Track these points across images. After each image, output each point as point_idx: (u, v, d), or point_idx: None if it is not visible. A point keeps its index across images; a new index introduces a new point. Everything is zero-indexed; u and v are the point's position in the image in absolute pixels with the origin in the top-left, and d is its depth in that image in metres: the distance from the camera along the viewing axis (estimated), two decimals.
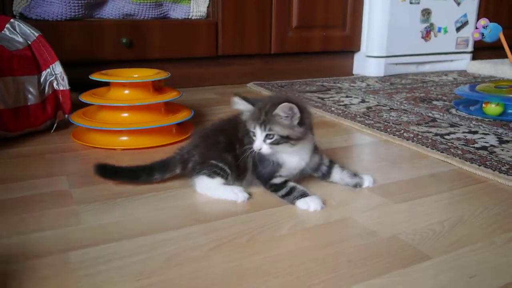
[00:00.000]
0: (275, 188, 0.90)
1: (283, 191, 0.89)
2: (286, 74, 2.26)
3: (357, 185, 0.98)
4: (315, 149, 0.95)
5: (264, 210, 0.85)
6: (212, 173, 0.91)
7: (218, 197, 0.90)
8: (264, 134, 0.85)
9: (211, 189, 0.91)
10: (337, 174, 0.98)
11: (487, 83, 1.71)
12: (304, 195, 0.88)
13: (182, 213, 0.84)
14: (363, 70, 2.44)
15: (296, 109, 0.84)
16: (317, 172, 0.98)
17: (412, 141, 1.26)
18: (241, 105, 0.90)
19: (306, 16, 2.20)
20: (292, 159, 0.91)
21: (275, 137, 0.85)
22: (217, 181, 0.91)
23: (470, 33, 2.60)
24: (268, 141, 0.86)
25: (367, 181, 0.98)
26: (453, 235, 0.77)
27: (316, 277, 0.65)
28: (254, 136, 0.87)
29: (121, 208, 0.85)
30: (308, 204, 0.86)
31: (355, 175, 0.98)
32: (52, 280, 0.63)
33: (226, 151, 0.92)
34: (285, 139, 0.86)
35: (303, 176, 0.96)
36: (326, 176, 0.98)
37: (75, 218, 0.81)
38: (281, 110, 0.83)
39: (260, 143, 0.86)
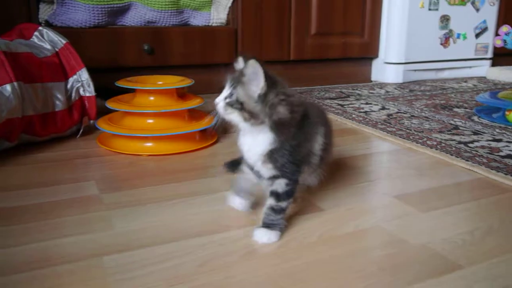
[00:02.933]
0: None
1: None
2: (305, 81, 2.27)
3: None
4: (276, 162, 0.78)
5: (293, 218, 0.86)
6: None
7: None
8: (228, 91, 0.78)
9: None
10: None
11: (509, 90, 1.70)
12: None
13: (212, 219, 0.85)
14: (382, 76, 2.43)
15: (260, 75, 0.73)
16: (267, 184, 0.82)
17: (436, 149, 1.25)
18: (241, 65, 0.80)
19: (325, 23, 2.21)
20: (244, 140, 0.82)
21: (233, 97, 0.76)
22: None
23: (489, 40, 2.59)
24: (227, 99, 0.77)
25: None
26: (483, 245, 0.77)
27: (349, 285, 0.65)
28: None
29: (151, 213, 0.86)
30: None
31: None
32: (89, 283, 0.64)
33: None
34: (239, 106, 0.76)
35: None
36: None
37: (107, 223, 0.82)
38: (247, 67, 0.74)
39: (221, 98, 0.78)
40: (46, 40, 1.31)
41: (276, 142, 0.78)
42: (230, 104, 0.77)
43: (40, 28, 1.32)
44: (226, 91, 0.78)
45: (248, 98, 0.76)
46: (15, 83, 1.12)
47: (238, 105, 0.76)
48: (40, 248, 0.74)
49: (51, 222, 0.82)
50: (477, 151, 1.24)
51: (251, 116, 0.76)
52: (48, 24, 1.70)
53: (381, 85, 2.32)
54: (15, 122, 1.13)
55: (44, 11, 1.71)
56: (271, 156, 0.78)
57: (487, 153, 1.22)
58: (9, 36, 1.31)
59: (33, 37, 1.31)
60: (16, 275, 0.66)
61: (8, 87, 1.11)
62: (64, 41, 1.32)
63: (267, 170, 0.80)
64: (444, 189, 1.02)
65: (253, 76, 0.74)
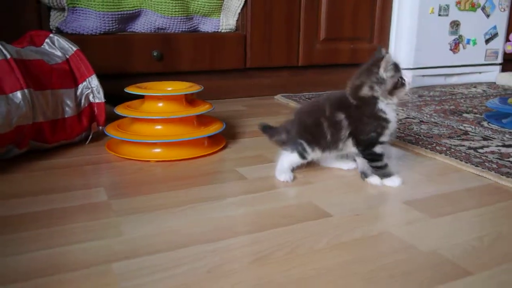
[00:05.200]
0: (373, 158, 1.05)
1: (380, 163, 1.05)
2: (314, 86, 2.26)
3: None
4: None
5: (301, 223, 0.86)
6: (293, 149, 1.07)
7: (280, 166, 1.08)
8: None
9: (285, 161, 1.09)
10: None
11: None
12: (390, 175, 1.06)
13: (221, 225, 0.85)
14: None
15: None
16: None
17: (445, 155, 1.25)
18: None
19: (334, 29, 2.21)
20: (392, 113, 1.05)
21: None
22: (293, 157, 1.08)
23: (499, 45, 2.57)
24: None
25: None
26: (493, 251, 0.76)
27: None
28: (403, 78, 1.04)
29: (160, 219, 0.87)
30: (394, 181, 1.05)
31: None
32: None
33: (316, 128, 1.06)
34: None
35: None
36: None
37: (116, 229, 0.83)
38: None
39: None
40: (57, 47, 1.32)
41: None
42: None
43: (51, 35, 1.34)
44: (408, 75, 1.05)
45: None
46: (26, 90, 1.13)
47: None
48: (49, 255, 0.74)
49: (60, 229, 0.83)
50: (486, 157, 1.23)
51: None
52: (59, 31, 1.72)
53: None
54: (25, 129, 1.15)
55: (55, 18, 1.73)
56: None
57: (497, 158, 1.21)
58: (20, 43, 1.33)
59: (44, 44, 1.33)
60: (25, 283, 0.67)
61: (18, 94, 1.12)
62: (74, 48, 1.33)
63: None
64: (453, 194, 1.01)
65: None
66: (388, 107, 1.05)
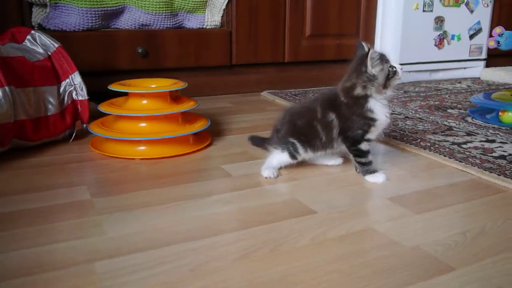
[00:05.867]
0: (358, 154, 1.06)
1: (364, 160, 1.06)
2: (300, 83, 2.27)
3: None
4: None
5: (286, 221, 0.86)
6: (283, 149, 1.08)
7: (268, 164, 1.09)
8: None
9: (271, 158, 1.10)
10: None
11: (503, 91, 1.70)
12: (375, 171, 1.06)
13: (205, 223, 0.84)
14: None
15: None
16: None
17: (430, 150, 1.25)
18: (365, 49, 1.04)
19: (320, 25, 2.22)
20: (383, 110, 1.05)
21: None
22: (283, 157, 1.08)
23: (483, 41, 2.59)
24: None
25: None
26: (476, 246, 0.77)
27: None
28: (393, 66, 1.04)
29: (143, 218, 0.86)
30: (378, 178, 1.05)
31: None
32: None
33: (309, 129, 1.07)
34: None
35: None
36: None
37: (99, 228, 0.82)
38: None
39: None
40: (38, 44, 1.30)
41: None
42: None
43: (33, 31, 1.32)
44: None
45: None
46: (7, 88, 1.12)
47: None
48: (31, 254, 0.73)
49: (43, 228, 0.82)
50: (470, 152, 1.24)
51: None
52: (41, 28, 1.70)
53: None
54: (7, 127, 1.13)
55: (37, 15, 1.71)
56: None
57: (480, 154, 1.22)
58: (1, 40, 1.30)
59: (26, 40, 1.31)
60: (6, 282, 0.66)
61: None
62: (56, 45, 1.32)
63: None
64: (437, 190, 1.02)
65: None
66: (378, 105, 1.05)
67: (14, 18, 1.65)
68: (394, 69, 1.04)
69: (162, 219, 0.86)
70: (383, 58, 1.03)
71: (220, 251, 0.74)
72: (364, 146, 1.06)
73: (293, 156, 1.08)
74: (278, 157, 1.09)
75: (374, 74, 1.02)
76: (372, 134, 1.06)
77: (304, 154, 1.08)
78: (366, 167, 1.07)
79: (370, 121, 1.04)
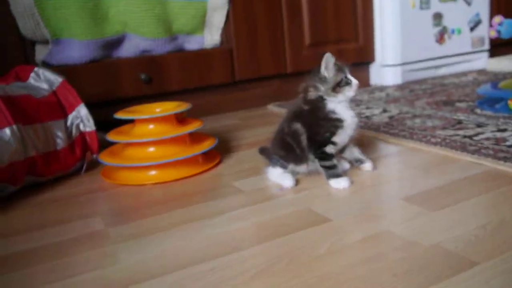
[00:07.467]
0: (323, 157, 1.06)
1: (329, 163, 1.06)
2: None
3: (358, 162, 1.14)
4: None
5: (301, 231, 0.85)
6: (274, 164, 1.12)
7: (275, 181, 1.11)
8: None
9: (272, 175, 1.12)
10: (348, 150, 1.13)
11: (510, 79, 1.68)
12: (338, 176, 1.05)
13: (219, 241, 0.84)
14: (380, 79, 2.43)
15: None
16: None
17: (441, 146, 1.24)
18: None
19: (318, 33, 2.22)
20: (346, 111, 1.06)
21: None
22: (278, 170, 1.11)
23: (484, 32, 2.58)
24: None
25: (368, 165, 1.13)
26: (497, 238, 0.75)
27: None
28: (348, 78, 1.06)
29: (158, 242, 0.86)
30: (341, 183, 1.03)
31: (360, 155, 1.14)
32: None
33: (284, 144, 1.09)
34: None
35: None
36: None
37: (113, 257, 0.81)
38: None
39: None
40: (42, 80, 1.32)
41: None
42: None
43: (36, 69, 1.34)
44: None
45: None
46: (14, 126, 1.13)
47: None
48: None
49: (59, 263, 0.81)
50: (482, 144, 1.22)
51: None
52: (45, 65, 1.72)
53: (381, 88, 2.31)
54: (18, 166, 1.14)
55: (41, 52, 1.73)
56: None
57: (493, 144, 1.21)
58: (6, 80, 1.32)
59: (30, 78, 1.33)
60: None
61: (7, 131, 1.12)
62: (60, 79, 1.33)
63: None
64: (452, 185, 1.00)
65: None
66: (339, 106, 1.07)
67: (18, 57, 1.67)
68: (349, 81, 1.06)
69: (176, 242, 0.85)
70: (340, 68, 1.06)
71: (237, 269, 0.73)
72: (329, 149, 1.07)
73: (285, 167, 1.11)
74: (273, 171, 1.13)
75: (325, 76, 1.05)
76: (339, 137, 1.07)
77: (293, 167, 1.11)
78: (331, 171, 1.06)
79: (336, 122, 1.06)
